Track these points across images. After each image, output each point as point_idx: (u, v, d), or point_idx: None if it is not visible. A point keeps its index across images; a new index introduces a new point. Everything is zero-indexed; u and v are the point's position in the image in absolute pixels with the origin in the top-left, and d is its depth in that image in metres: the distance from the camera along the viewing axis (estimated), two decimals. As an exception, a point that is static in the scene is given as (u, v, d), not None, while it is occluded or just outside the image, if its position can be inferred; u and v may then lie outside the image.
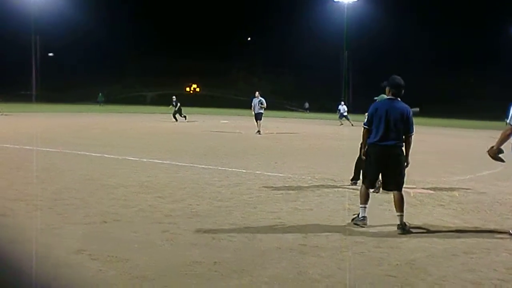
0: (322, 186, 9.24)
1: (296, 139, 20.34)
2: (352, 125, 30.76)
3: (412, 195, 8.47)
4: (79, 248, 4.99)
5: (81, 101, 61.53)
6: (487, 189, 9.53)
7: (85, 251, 4.90)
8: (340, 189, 8.95)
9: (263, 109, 22.93)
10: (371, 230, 6.12)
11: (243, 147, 16.36)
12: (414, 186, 8.99)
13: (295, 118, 36.16)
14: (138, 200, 7.36)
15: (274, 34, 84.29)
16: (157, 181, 9.10)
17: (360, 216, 6.40)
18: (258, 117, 22.72)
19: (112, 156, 12.59)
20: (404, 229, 6.06)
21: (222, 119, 35.00)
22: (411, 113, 6.32)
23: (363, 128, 6.49)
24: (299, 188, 8.95)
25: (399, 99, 6.35)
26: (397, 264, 4.90)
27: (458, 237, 5.99)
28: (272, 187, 8.89)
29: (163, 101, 77.19)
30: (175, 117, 30.41)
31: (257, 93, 23.15)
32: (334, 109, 48.00)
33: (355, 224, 6.33)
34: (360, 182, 7.59)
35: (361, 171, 7.23)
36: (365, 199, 6.42)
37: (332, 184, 9.48)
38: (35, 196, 7.35)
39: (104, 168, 10.48)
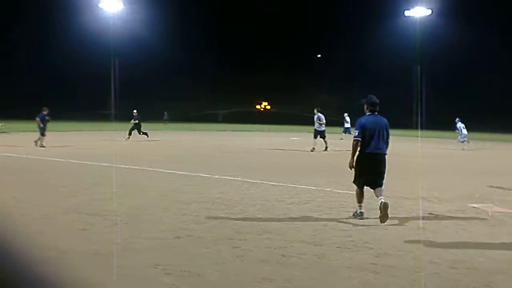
0: (395, 204, 9.02)
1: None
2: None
3: (490, 214, 8.13)
4: (154, 262, 5.16)
5: (153, 119, 63.51)
6: None
7: (160, 265, 5.06)
8: (413, 207, 8.71)
9: (323, 126, 22.01)
10: (447, 251, 5.92)
11: (313, 164, 16.30)
12: (492, 205, 8.62)
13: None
14: (209, 216, 7.50)
15: (344, 50, 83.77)
16: (228, 197, 9.24)
17: (358, 212, 7.73)
18: (316, 134, 21.93)
19: (185, 172, 12.92)
20: (386, 205, 7.29)
21: (292, 136, 35.03)
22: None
23: (354, 140, 7.74)
24: (371, 206, 8.79)
25: (376, 113, 7.86)
26: (474, 287, 4.71)
27: (541, 260, 5.67)
28: (342, 204, 8.80)
29: (235, 118, 78.48)
30: (130, 133, 26.62)
31: (315, 109, 22.48)
32: (405, 125, 46.83)
33: (355, 218, 7.60)
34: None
35: (354, 175, 8.03)
36: (360, 198, 7.79)
37: (405, 202, 9.25)
38: (112, 212, 7.68)
39: (177, 185, 10.77)
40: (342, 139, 31.58)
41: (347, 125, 32.49)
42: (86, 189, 9.89)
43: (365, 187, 7.85)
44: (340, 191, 10.35)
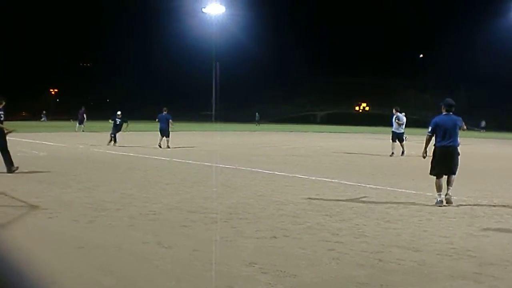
0: (501, 210, 8.56)
1: (471, 160, 19.08)
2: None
3: None
4: (251, 261, 5.29)
5: (250, 120, 64.46)
6: None
7: (256, 264, 5.18)
8: (522, 215, 8.21)
9: (402, 127, 20.06)
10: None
11: (413, 167, 15.79)
12: None
13: (470, 137, 33.90)
14: (306, 217, 7.54)
15: (447, 49, 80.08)
16: (325, 199, 9.23)
17: (438, 200, 8.88)
18: (395, 137, 20.06)
19: (283, 173, 13.05)
20: (450, 200, 8.87)
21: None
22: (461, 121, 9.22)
23: (427, 135, 9.32)
24: (474, 212, 8.40)
25: (451, 113, 9.19)
26: None
27: None
28: (444, 210, 8.47)
29: (333, 120, 77.82)
30: (113, 137, 22.33)
31: (394, 109, 20.60)
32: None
33: (435, 205, 8.74)
34: None
35: (430, 166, 9.29)
36: (439, 188, 8.98)
37: (511, 209, 8.73)
38: (212, 210, 7.96)
39: (275, 185, 10.92)
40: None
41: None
42: (188, 187, 10.31)
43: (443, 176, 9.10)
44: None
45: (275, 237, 6.31)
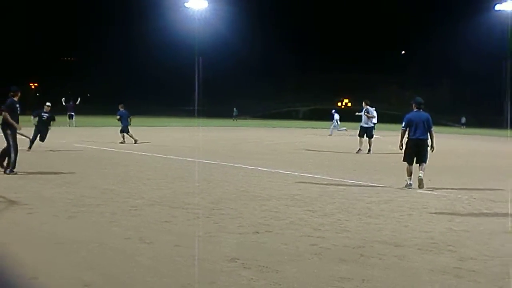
0: (481, 206, 8.67)
1: (451, 156, 19.29)
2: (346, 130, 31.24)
3: None
4: (234, 256, 5.28)
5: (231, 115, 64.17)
6: None
7: (239, 259, 5.18)
8: (501, 210, 8.32)
9: (371, 121, 19.09)
10: (537, 257, 5.61)
11: (395, 163, 15.91)
12: None
13: (450, 133, 34.28)
14: (288, 213, 7.56)
15: (429, 46, 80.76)
16: (308, 194, 9.26)
17: (408, 183, 10.41)
18: (362, 131, 19.06)
19: (265, 169, 13.06)
20: (422, 182, 10.18)
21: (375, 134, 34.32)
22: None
23: (401, 130, 10.67)
24: (454, 207, 8.50)
25: (421, 110, 10.58)
26: None
27: None
28: (425, 205, 8.56)
29: (315, 115, 78.03)
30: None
31: (363, 102, 19.80)
32: (495, 123, 44.52)
33: (405, 188, 10.28)
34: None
35: (404, 155, 10.70)
36: (409, 173, 10.48)
37: (491, 204, 8.85)
38: (194, 205, 7.93)
39: (257, 181, 10.92)
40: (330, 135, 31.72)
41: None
42: (170, 183, 10.26)
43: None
44: (422, 191, 10.06)
45: (257, 233, 6.31)
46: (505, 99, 51.43)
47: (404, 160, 10.62)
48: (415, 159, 10.46)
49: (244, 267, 4.95)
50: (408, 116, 10.62)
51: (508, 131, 40.06)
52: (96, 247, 5.56)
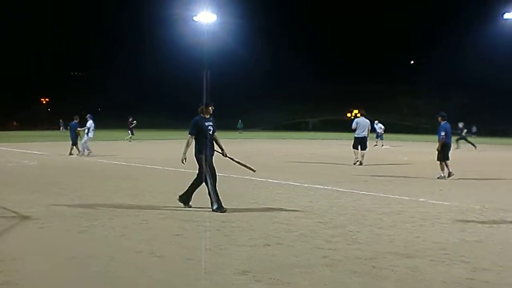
0: (493, 216, 8.59)
1: (460, 166, 19.16)
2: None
3: None
4: (245, 269, 5.27)
5: (249, 128, 64.30)
6: None
7: (250, 272, 5.16)
8: (514, 220, 8.24)
9: (361, 132, 18.45)
10: (552, 267, 5.54)
11: (405, 173, 15.84)
12: None
13: (461, 142, 34.10)
14: (299, 225, 7.53)
15: (439, 56, 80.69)
16: (318, 206, 9.23)
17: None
18: (355, 142, 18.57)
19: (275, 181, 13.04)
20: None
21: (386, 145, 34.23)
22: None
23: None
24: (467, 217, 8.42)
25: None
26: None
27: None
28: (436, 216, 8.49)
29: (325, 126, 77.98)
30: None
31: (358, 112, 21.02)
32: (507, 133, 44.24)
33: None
34: None
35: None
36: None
37: (503, 214, 8.77)
38: (205, 218, 7.93)
39: (268, 192, 10.91)
40: (376, 145, 32.24)
41: (380, 131, 34.14)
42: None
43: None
44: (434, 201, 10.00)
45: (268, 245, 6.29)
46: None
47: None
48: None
49: (256, 280, 4.93)
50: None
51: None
52: (107, 261, 5.57)
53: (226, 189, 11.32)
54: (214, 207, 8.50)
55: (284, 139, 44.34)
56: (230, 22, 66.04)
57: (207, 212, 8.40)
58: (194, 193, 8.97)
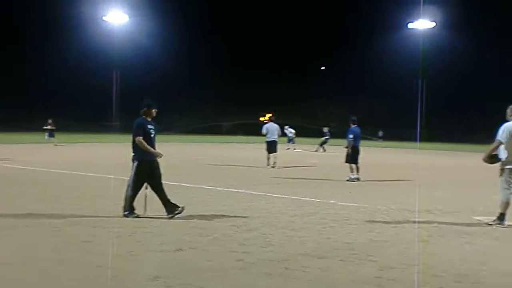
0: (398, 216, 9.01)
1: (369, 169, 19.98)
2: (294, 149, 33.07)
3: (494, 228, 8.10)
4: (156, 274, 5.14)
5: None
6: None
7: (161, 278, 5.05)
8: (417, 219, 8.68)
9: (269, 136, 19.11)
10: (451, 264, 5.89)
11: (316, 176, 16.28)
12: (496, 219, 8.50)
13: (368, 146, 35.58)
14: (213, 229, 7.49)
15: (348, 62, 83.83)
16: (232, 209, 9.24)
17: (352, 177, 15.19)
18: (267, 146, 19.31)
19: (188, 184, 12.91)
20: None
21: (298, 148, 34.98)
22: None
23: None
24: (374, 218, 8.78)
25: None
26: (479, 301, 4.68)
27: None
28: (346, 217, 8.77)
29: (239, 130, 78.39)
30: None
31: (267, 115, 21.93)
32: (408, 137, 46.83)
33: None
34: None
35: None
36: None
37: (408, 214, 9.22)
38: (116, 224, 7.67)
39: (181, 197, 10.72)
40: (288, 148, 33.36)
41: (291, 135, 36.10)
42: (90, 201, 9.90)
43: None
44: (344, 203, 10.33)
45: (181, 250, 6.20)
46: (417, 113, 54.05)
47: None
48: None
49: (167, 286, 4.83)
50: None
51: (417, 144, 42.29)
52: (13, 269, 5.24)
53: (139, 194, 11.04)
54: (125, 212, 8.22)
55: (199, 142, 44.13)
56: (143, 23, 64.93)
57: (118, 218, 8.13)
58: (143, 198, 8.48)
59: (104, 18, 57.07)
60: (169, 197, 8.41)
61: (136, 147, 8.30)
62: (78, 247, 6.25)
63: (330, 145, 34.39)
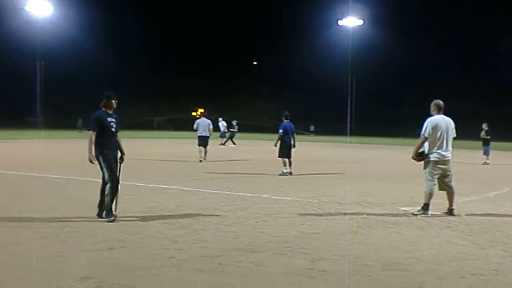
0: (330, 209, 9.21)
1: (302, 163, 20.32)
2: (234, 144, 33.21)
3: (419, 217, 8.44)
4: (85, 275, 4.98)
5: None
6: (494, 210, 9.47)
7: (91, 278, 4.90)
8: (347, 211, 8.91)
9: (201, 131, 19.88)
10: (379, 254, 6.08)
11: (249, 171, 16.38)
12: (421, 209, 8.90)
13: (300, 141, 36.18)
14: (145, 226, 7.36)
15: (280, 58, 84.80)
16: (164, 206, 9.11)
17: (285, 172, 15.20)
18: (199, 142, 19.86)
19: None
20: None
21: (230, 144, 35.01)
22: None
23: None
24: (306, 211, 8.93)
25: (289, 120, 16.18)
26: (406, 288, 4.86)
27: (466, 259, 5.94)
28: (279, 211, 8.87)
29: (170, 125, 77.52)
30: None
31: (199, 110, 21.79)
32: (339, 131, 48.00)
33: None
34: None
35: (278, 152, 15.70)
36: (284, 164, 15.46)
37: (339, 207, 9.45)
38: (42, 224, 7.37)
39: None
40: (221, 143, 33.20)
41: (223, 128, 35.04)
42: (13, 200, 9.46)
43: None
44: (276, 197, 10.44)
45: (112, 249, 6.04)
46: (348, 108, 55.43)
47: (279, 156, 15.43)
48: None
49: (97, 286, 4.69)
50: (284, 124, 15.51)
51: (348, 138, 43.45)
52: None
53: (65, 192, 10.69)
54: (104, 214, 7.79)
55: (129, 138, 43.20)
56: (69, 13, 62.73)
57: (44, 218, 7.81)
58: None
59: (25, 7, 54.46)
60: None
61: (96, 142, 7.89)
62: (2, 250, 5.96)
63: (264, 139, 34.63)
